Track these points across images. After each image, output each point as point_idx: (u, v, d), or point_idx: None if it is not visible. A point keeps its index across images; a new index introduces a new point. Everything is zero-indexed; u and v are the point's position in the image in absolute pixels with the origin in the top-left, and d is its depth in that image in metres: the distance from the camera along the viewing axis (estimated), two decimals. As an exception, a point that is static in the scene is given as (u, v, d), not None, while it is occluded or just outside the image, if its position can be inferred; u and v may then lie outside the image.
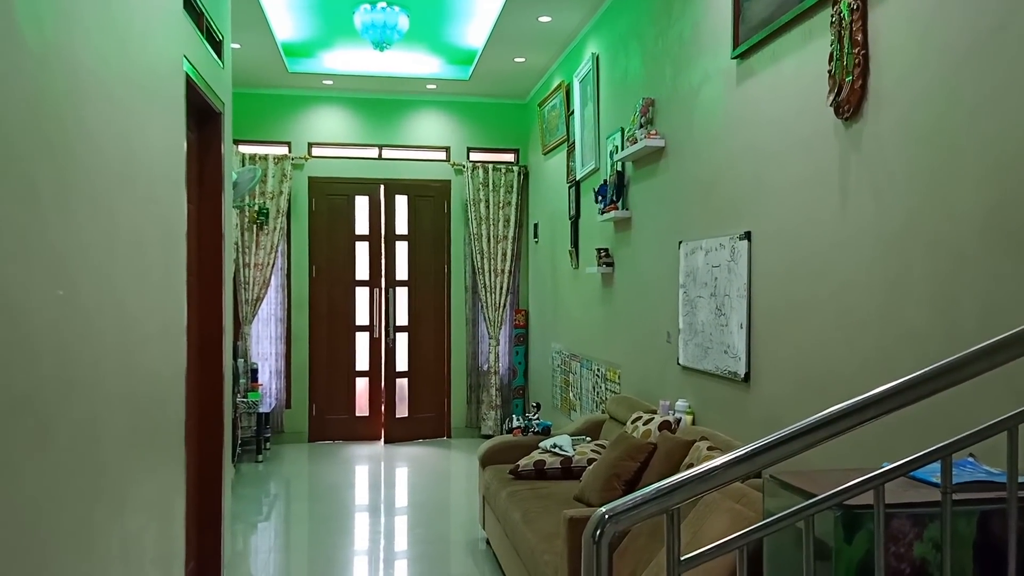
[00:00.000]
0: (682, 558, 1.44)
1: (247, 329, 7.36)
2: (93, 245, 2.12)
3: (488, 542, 4.72)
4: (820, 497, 1.47)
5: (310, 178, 7.74)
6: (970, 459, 1.80)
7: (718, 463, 1.44)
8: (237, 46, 5.78)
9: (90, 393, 2.11)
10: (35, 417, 1.79)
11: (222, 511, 3.92)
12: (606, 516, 1.41)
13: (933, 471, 1.70)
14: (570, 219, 6.26)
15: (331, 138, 7.84)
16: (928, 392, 1.46)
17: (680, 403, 3.98)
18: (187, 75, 3.19)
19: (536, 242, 7.70)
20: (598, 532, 1.42)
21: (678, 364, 4.12)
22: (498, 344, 7.98)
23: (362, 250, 7.90)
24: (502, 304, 7.93)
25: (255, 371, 7.32)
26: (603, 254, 5.29)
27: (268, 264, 7.38)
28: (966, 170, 2.21)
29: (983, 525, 1.56)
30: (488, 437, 7.15)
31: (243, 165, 7.20)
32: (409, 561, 4.52)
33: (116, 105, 2.31)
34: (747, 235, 3.37)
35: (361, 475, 6.79)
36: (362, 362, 7.94)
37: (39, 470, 1.82)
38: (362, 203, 7.90)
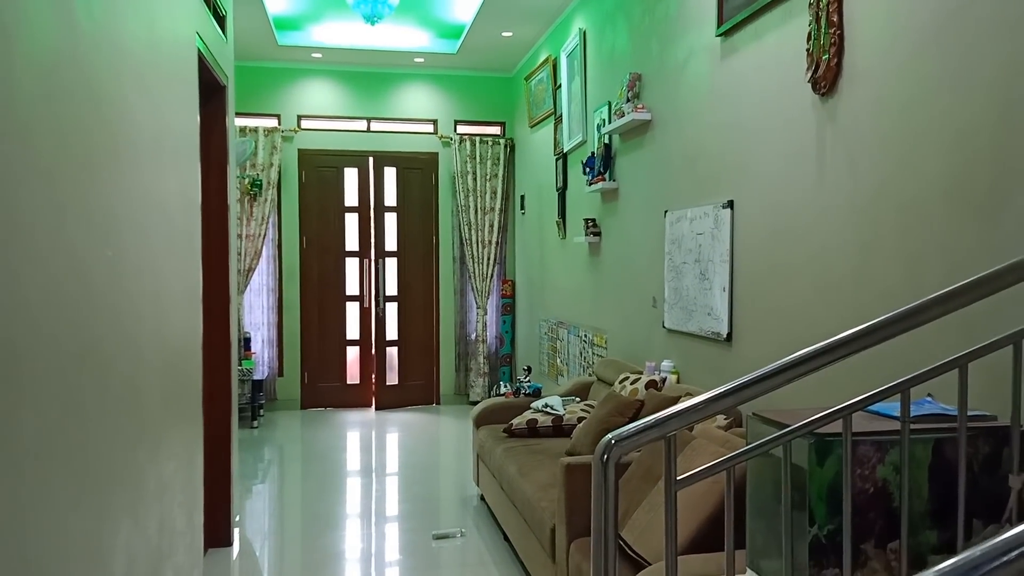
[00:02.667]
0: (678, 478, 1.66)
1: (239, 299, 7.51)
2: (135, 209, 2.30)
3: (482, 497, 4.95)
4: (796, 425, 1.70)
5: (300, 150, 7.87)
6: (928, 398, 2.03)
7: (709, 395, 1.66)
8: (231, 20, 5.87)
9: (134, 349, 2.30)
10: (97, 367, 1.98)
11: (231, 468, 4.12)
12: (612, 441, 1.63)
13: (895, 408, 1.94)
14: (557, 191, 6.45)
15: (320, 111, 7.95)
16: (893, 332, 1.68)
17: (665, 363, 4.21)
18: (198, 51, 3.34)
19: (523, 214, 7.89)
20: (605, 456, 1.64)
21: (663, 327, 4.35)
22: (486, 313, 8.19)
23: (351, 221, 8.06)
24: (489, 274, 8.12)
25: (248, 340, 7.49)
26: (590, 224, 5.49)
27: (260, 235, 7.52)
28: (932, 140, 2.43)
29: (937, 450, 1.79)
30: (476, 404, 7.38)
31: (235, 137, 7.30)
32: (405, 516, 4.75)
33: (147, 81, 2.47)
34: (730, 204, 3.59)
35: (353, 439, 7.00)
36: (353, 331, 8.13)
37: (101, 412, 2.01)
38: (351, 175, 8.04)
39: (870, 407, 2.01)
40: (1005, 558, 0.84)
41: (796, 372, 1.66)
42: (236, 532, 4.29)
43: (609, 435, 1.64)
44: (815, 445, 1.74)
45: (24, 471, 1.57)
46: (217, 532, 4.02)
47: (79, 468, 1.87)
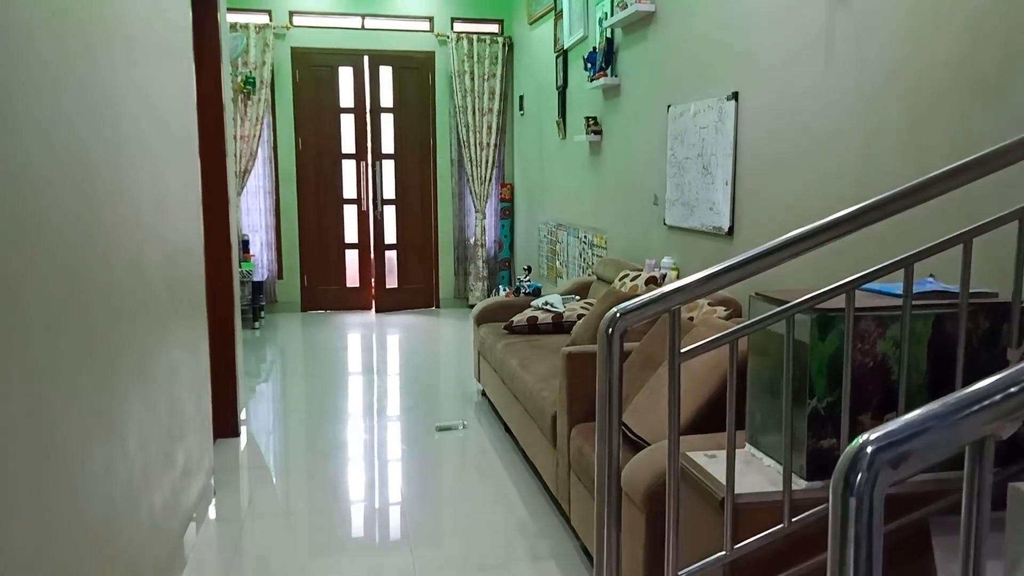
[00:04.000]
0: (681, 350, 1.68)
1: (236, 201, 7.46)
2: (132, 102, 2.26)
3: (483, 393, 5.05)
4: (801, 299, 1.71)
5: (293, 48, 7.67)
6: (929, 278, 2.05)
7: (714, 269, 1.67)
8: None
9: (135, 235, 2.30)
10: (101, 245, 1.99)
11: (236, 363, 4.18)
12: (617, 314, 1.65)
13: (896, 288, 1.96)
14: (557, 89, 6.34)
15: (312, 7, 7.72)
16: (899, 208, 1.69)
17: (666, 260, 4.23)
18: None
19: (522, 115, 7.77)
20: (611, 329, 1.66)
21: (664, 224, 4.34)
22: (484, 217, 8.16)
23: (347, 123, 7.93)
24: (488, 178, 8.06)
25: (246, 242, 7.48)
26: (591, 122, 5.42)
27: (254, 136, 7.42)
28: (944, 23, 2.37)
29: (937, 326, 1.82)
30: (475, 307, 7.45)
31: (227, 33, 7.11)
32: (407, 411, 4.85)
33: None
34: (734, 95, 3.53)
35: (354, 340, 7.09)
36: (351, 235, 8.11)
37: (106, 291, 2.02)
38: (346, 75, 7.87)
39: (872, 287, 2.03)
40: (989, 400, 0.86)
41: (802, 247, 1.67)
42: (243, 426, 4.39)
43: (615, 308, 1.66)
44: (817, 320, 1.77)
45: (33, 341, 1.59)
46: (225, 423, 4.11)
47: (87, 344, 1.89)
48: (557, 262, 6.55)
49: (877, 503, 0.81)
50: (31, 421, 1.56)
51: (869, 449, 0.82)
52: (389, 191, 8.09)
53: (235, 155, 7.37)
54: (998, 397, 0.85)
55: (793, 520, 1.71)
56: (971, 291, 1.80)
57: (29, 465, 1.54)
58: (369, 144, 7.97)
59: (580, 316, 4.58)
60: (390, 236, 8.17)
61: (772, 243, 1.67)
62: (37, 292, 1.61)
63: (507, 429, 4.43)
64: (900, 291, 1.87)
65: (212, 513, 3.34)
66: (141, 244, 2.36)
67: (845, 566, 0.83)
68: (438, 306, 8.33)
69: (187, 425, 2.89)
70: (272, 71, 7.50)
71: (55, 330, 1.70)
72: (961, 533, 0.91)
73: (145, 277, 2.41)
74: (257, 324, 7.25)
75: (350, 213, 8.08)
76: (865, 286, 2.02)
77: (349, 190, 8.04)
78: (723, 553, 1.72)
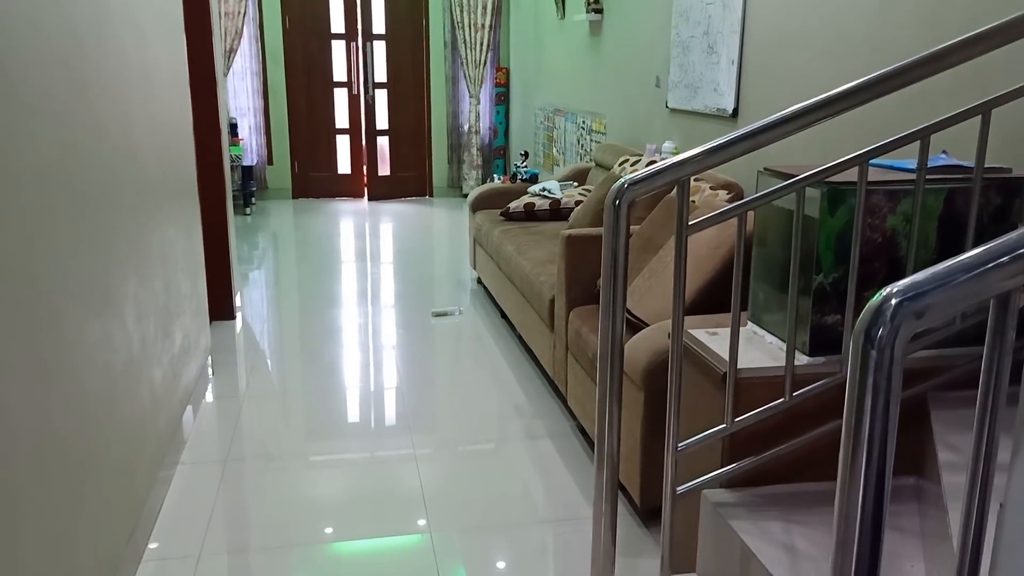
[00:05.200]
0: (690, 223, 1.65)
1: (223, 82, 7.24)
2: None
3: (479, 281, 5.05)
4: (812, 171, 1.67)
5: (278, -80, 7.30)
6: (942, 154, 2.00)
7: (725, 139, 1.61)
8: None
9: (124, 109, 2.21)
10: (89, 115, 1.91)
11: (229, 247, 4.14)
12: (625, 184, 1.60)
13: (909, 164, 1.91)
14: (556, -34, 6.07)
15: None
16: (915, 77, 1.62)
17: (667, 144, 4.14)
18: None
19: (518, -6, 7.48)
20: (617, 200, 1.62)
21: (666, 107, 4.23)
22: (479, 103, 7.97)
23: (336, 0, 7.63)
24: (483, 61, 7.82)
25: (234, 126, 7.31)
26: (592, 0, 5.20)
27: (239, 12, 7.13)
28: None
29: (949, 201, 1.78)
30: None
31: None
32: (401, 297, 4.85)
33: None
34: (744, -32, 3.37)
35: (347, 228, 7.03)
36: (342, 119, 7.94)
37: (97, 161, 1.96)
38: (335, -50, 7.52)
39: (883, 163, 1.98)
40: (1017, 253, 0.83)
41: (814, 117, 1.61)
42: (238, 312, 4.39)
43: (622, 178, 1.61)
44: (828, 193, 1.72)
45: (24, 200, 1.54)
46: (220, 306, 4.11)
47: (80, 210, 1.84)
48: (554, 149, 6.43)
49: (898, 354, 0.79)
50: (28, 287, 1.53)
51: (894, 301, 0.80)
52: (381, 74, 7.86)
53: (220, 33, 7.10)
54: (1027, 251, 0.82)
55: (794, 394, 1.72)
56: (984, 167, 1.76)
57: (28, 332, 1.52)
58: (359, 23, 7.69)
59: (578, 202, 4.53)
60: (382, 122, 7.99)
61: (783, 113, 1.61)
62: (26, 149, 1.55)
63: (503, 315, 4.44)
64: (912, 166, 1.82)
65: (210, 396, 3.37)
66: (129, 116, 2.28)
67: (862, 419, 0.81)
68: (431, 195, 8.24)
69: (183, 304, 2.88)
70: (257, -56, 7.16)
71: (47, 191, 1.64)
72: (979, 391, 0.90)
73: (135, 150, 2.33)
74: (248, 211, 7.17)
75: (341, 97, 7.88)
76: (876, 161, 1.98)
77: (339, 72, 7.81)
78: (723, 426, 1.73)
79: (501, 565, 2.28)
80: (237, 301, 4.46)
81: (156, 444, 2.46)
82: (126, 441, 2.13)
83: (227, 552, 2.29)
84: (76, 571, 1.73)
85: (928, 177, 1.74)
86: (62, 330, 1.70)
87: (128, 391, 2.16)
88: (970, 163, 1.85)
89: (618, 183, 1.61)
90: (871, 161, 1.71)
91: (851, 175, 1.70)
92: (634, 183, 1.60)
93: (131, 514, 2.16)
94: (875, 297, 0.81)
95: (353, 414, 3.25)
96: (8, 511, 1.41)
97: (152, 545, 2.30)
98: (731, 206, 1.66)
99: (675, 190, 1.64)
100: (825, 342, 1.79)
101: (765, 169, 1.96)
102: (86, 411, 1.83)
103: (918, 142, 1.69)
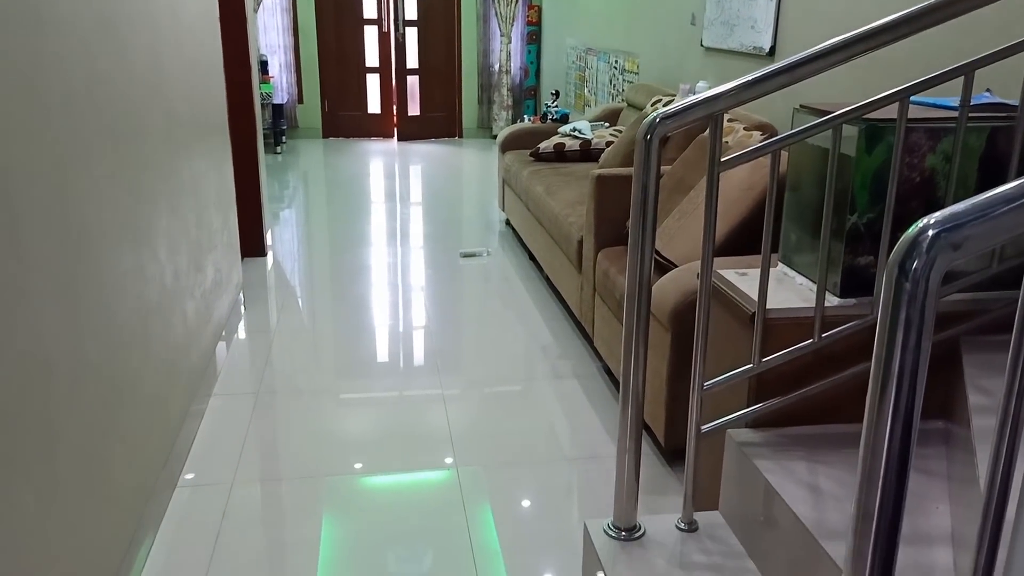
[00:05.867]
0: (722, 159, 1.62)
1: (253, 18, 7.19)
2: None
3: (507, 222, 5.03)
4: (848, 108, 1.62)
5: None
6: (987, 93, 1.93)
7: (761, 72, 1.57)
8: None
9: (153, 39, 2.20)
10: (116, 43, 1.90)
11: (260, 184, 4.15)
12: (657, 119, 1.57)
13: (951, 101, 1.85)
14: (591, -102, 5.88)
15: None
16: (961, 10, 1.55)
17: (701, 84, 4.05)
18: None
19: (552, -71, 7.29)
20: (649, 135, 1.59)
21: (701, 46, 4.13)
22: (510, 42, 7.84)
23: (367, -64, 7.50)
24: (514, -1, 7.67)
25: (265, 63, 7.27)
26: (627, -66, 5.05)
27: (270, -50, 7.04)
28: None
29: (991, 140, 1.73)
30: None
31: None
32: (430, 238, 4.85)
33: None
34: (787, -102, 3.24)
35: (377, 168, 7.02)
36: (372, 58, 7.86)
37: (126, 84, 1.96)
38: None
39: (924, 99, 1.92)
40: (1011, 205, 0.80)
41: (855, 50, 1.56)
42: (269, 250, 4.42)
43: (654, 113, 1.58)
44: (866, 131, 1.68)
45: (53, 124, 1.55)
46: (251, 243, 4.14)
47: (110, 141, 1.85)
48: (585, 89, 6.33)
49: (933, 286, 0.77)
50: (59, 214, 1.54)
51: (931, 232, 0.77)
52: (411, 12, 7.75)
53: (250, -30, 7.02)
54: (1073, 184, 0.79)
55: (824, 335, 1.70)
56: (1032, 105, 1.70)
57: (61, 258, 1.54)
58: (390, -40, 7.56)
59: (609, 144, 4.47)
60: (412, 60, 7.90)
61: (822, 45, 1.56)
62: (51, 72, 1.55)
63: (531, 256, 4.44)
64: (954, 104, 1.76)
65: (242, 331, 3.42)
66: (157, 50, 2.27)
67: (892, 354, 0.80)
68: (461, 136, 8.18)
69: (215, 239, 2.90)
70: None
71: (76, 120, 1.65)
72: (1015, 331, 0.88)
73: (165, 85, 2.33)
74: (279, 149, 7.17)
75: (371, 34, 7.79)
76: (917, 98, 1.92)
77: (369, 10, 7.71)
78: (750, 366, 1.72)
79: (526, 502, 2.31)
80: (268, 239, 4.49)
81: (189, 376, 2.51)
82: (160, 370, 2.17)
83: (259, 481, 2.35)
84: (112, 493, 1.79)
85: (970, 115, 1.68)
86: (95, 259, 1.73)
87: (162, 322, 2.20)
88: (1015, 102, 1.79)
89: (650, 117, 1.58)
90: (912, 98, 1.66)
91: (890, 112, 1.65)
92: (666, 117, 1.57)
93: (166, 442, 2.22)
94: (911, 228, 0.79)
95: (382, 353, 3.29)
96: (45, 432, 1.46)
97: (188, 475, 2.37)
98: (765, 143, 1.63)
99: (708, 129, 1.60)
100: (857, 283, 1.76)
101: (801, 106, 1.91)
102: (119, 340, 1.86)
103: (962, 78, 1.63)
